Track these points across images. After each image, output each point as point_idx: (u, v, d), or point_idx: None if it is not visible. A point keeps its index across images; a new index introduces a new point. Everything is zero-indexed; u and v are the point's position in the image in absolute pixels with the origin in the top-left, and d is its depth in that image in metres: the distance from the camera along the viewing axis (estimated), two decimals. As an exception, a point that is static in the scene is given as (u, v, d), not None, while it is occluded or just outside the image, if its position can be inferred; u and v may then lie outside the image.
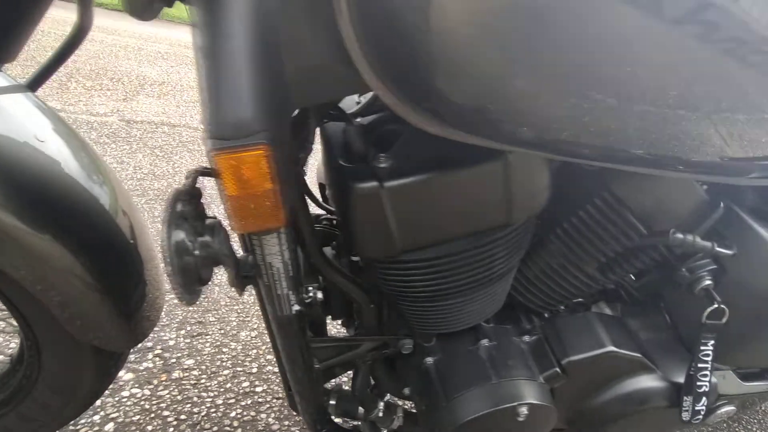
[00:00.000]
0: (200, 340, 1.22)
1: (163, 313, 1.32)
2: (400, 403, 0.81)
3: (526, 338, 0.69)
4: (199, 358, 1.17)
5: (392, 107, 0.38)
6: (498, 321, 0.70)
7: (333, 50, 0.36)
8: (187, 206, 0.41)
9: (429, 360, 0.66)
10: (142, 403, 1.03)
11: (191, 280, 0.42)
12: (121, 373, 1.09)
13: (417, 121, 0.39)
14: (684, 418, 0.70)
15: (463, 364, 0.65)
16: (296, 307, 0.54)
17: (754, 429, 1.35)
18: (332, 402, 0.76)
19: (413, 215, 0.45)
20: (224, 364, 1.16)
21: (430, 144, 0.46)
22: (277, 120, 0.38)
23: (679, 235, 0.59)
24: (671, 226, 0.60)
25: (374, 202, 0.44)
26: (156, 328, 1.25)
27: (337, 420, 0.79)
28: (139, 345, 1.18)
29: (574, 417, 0.73)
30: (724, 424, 1.33)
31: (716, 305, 0.67)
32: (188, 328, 1.25)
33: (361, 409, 0.76)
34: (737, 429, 1.34)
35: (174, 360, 1.15)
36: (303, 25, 0.37)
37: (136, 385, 1.06)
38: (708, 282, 0.67)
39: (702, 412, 0.69)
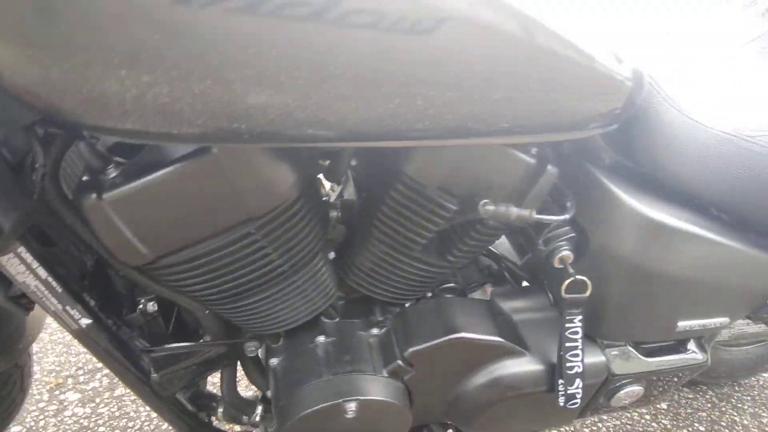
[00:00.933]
0: (150, 356, 1.25)
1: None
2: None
3: (375, 331, 0.65)
4: (145, 373, 1.20)
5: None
6: (346, 315, 0.67)
7: None
8: None
9: (274, 361, 0.64)
10: (82, 421, 1.06)
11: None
12: (68, 395, 1.14)
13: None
14: (560, 403, 0.64)
15: (298, 362, 0.62)
16: (86, 321, 0.54)
17: (746, 407, 1.22)
18: (220, 409, 0.76)
19: (146, 221, 0.44)
20: (168, 377, 1.18)
21: (158, 149, 0.44)
22: None
23: (490, 207, 0.53)
24: (494, 197, 0.55)
25: (100, 214, 0.43)
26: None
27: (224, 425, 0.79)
28: (90, 366, 1.24)
29: (449, 409, 0.68)
30: (708, 404, 1.21)
31: (572, 278, 0.61)
32: (140, 345, 1.29)
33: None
34: (725, 408, 1.21)
35: (120, 377, 1.18)
36: None
37: (80, 405, 1.11)
38: (565, 252, 0.61)
39: (578, 395, 0.63)
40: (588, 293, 0.61)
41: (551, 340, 0.66)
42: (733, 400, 1.23)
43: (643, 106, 0.59)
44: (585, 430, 1.11)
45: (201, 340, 0.68)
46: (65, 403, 1.11)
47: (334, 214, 0.65)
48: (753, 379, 1.31)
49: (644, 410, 1.17)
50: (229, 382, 0.72)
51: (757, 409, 1.21)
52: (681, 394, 1.24)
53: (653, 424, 1.14)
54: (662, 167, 0.59)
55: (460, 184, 0.54)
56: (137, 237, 0.44)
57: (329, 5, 0.30)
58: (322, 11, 0.31)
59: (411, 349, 0.61)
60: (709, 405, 1.21)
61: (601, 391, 0.70)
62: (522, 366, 0.64)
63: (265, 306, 0.56)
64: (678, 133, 0.58)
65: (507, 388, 0.64)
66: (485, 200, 0.54)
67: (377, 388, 0.59)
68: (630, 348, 0.70)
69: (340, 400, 0.57)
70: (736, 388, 1.27)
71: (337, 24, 0.32)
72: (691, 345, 0.73)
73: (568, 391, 0.62)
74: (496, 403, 0.66)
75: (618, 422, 1.13)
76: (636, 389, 0.71)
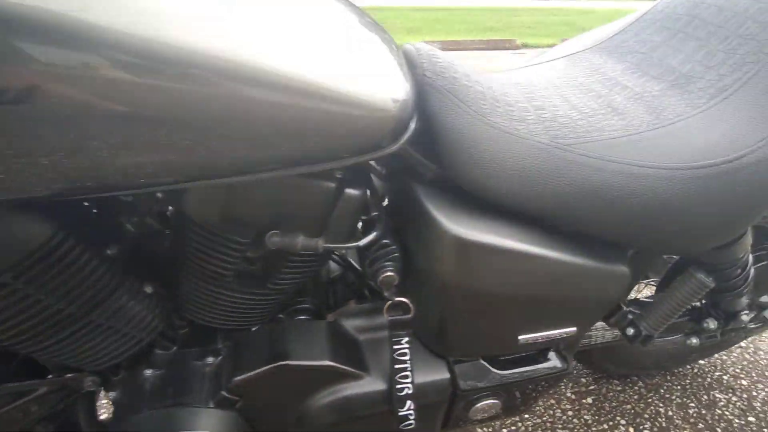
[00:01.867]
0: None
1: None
2: None
3: (210, 360, 0.65)
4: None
5: None
6: (187, 344, 0.66)
7: None
8: None
9: (112, 394, 0.65)
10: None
11: None
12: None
13: None
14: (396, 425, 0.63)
15: (127, 396, 0.62)
16: None
17: (674, 397, 1.20)
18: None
19: None
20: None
21: None
22: None
23: (276, 239, 0.52)
24: (290, 226, 0.54)
25: None
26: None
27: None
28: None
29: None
30: (635, 396, 1.20)
31: (391, 300, 0.59)
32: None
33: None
34: (651, 399, 1.20)
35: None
36: None
37: None
38: (387, 274, 0.60)
39: (411, 417, 0.62)
40: (411, 314, 0.60)
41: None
42: (662, 391, 1.21)
43: (451, 122, 0.56)
44: (504, 430, 1.10)
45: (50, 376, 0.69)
46: None
47: (166, 245, 0.64)
48: (688, 367, 1.29)
49: (567, 406, 1.16)
50: (86, 413, 0.72)
51: (685, 399, 1.19)
52: (609, 387, 1.22)
53: (574, 420, 1.13)
54: (482, 184, 0.57)
55: (250, 216, 0.52)
56: None
57: None
58: None
59: (235, 379, 0.60)
60: (636, 397, 1.19)
61: (454, 407, 0.69)
62: (358, 388, 0.63)
63: (69, 346, 0.56)
64: (493, 147, 0.56)
65: (344, 411, 0.64)
66: (273, 231, 0.53)
67: (196, 420, 0.59)
68: (482, 362, 0.69)
69: (154, 437, 0.57)
70: (668, 378, 1.25)
71: None
72: (551, 354, 0.72)
73: (399, 413, 0.62)
74: (340, 426, 0.65)
75: (539, 420, 1.13)
76: (491, 402, 0.70)
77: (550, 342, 0.67)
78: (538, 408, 1.15)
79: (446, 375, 0.66)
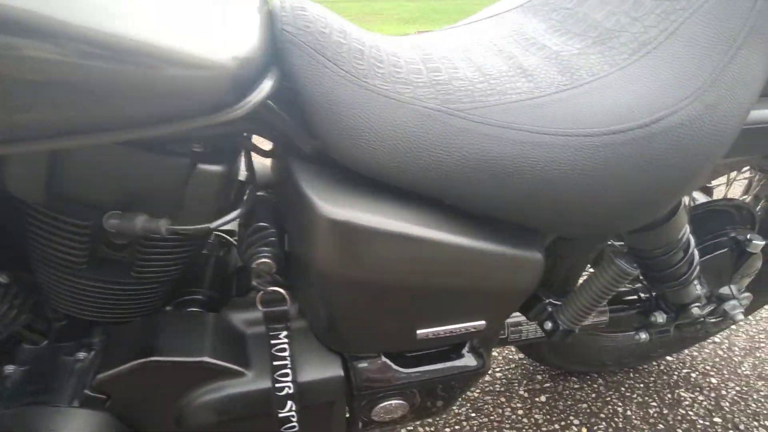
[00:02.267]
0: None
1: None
2: None
3: (81, 355, 0.59)
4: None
5: None
6: (61, 338, 0.61)
7: None
8: None
9: (-23, 392, 0.60)
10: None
11: None
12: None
13: None
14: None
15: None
16: None
17: (635, 395, 1.14)
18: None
19: None
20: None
21: None
22: None
23: (114, 220, 0.46)
24: (138, 206, 0.48)
25: None
26: None
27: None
28: None
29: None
30: (593, 394, 1.13)
31: (263, 289, 0.54)
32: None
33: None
34: (610, 397, 1.13)
35: None
36: None
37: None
38: (262, 260, 0.54)
39: (293, 419, 0.56)
40: (287, 306, 0.54)
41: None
42: (622, 389, 1.15)
43: (315, 83, 0.49)
44: (446, 429, 1.04)
45: None
46: None
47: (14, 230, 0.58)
48: (654, 364, 1.22)
49: (518, 404, 1.10)
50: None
51: (647, 398, 1.12)
52: (566, 384, 1.16)
53: (524, 419, 1.06)
54: (355, 156, 0.50)
55: (82, 195, 0.46)
56: None
57: None
58: None
59: (98, 376, 0.55)
60: (594, 395, 1.13)
61: (355, 407, 0.63)
62: (239, 387, 0.57)
63: None
64: (368, 113, 0.49)
65: (225, 411, 0.58)
66: (112, 212, 0.47)
67: (52, 420, 0.53)
68: (383, 359, 0.63)
69: (1, 439, 0.52)
70: (630, 375, 1.18)
71: None
72: (465, 350, 0.66)
73: (280, 415, 0.56)
74: (223, 426, 0.60)
75: (486, 419, 1.06)
76: (396, 402, 0.64)
77: (457, 337, 0.61)
78: (486, 406, 1.09)
79: (339, 373, 0.60)
